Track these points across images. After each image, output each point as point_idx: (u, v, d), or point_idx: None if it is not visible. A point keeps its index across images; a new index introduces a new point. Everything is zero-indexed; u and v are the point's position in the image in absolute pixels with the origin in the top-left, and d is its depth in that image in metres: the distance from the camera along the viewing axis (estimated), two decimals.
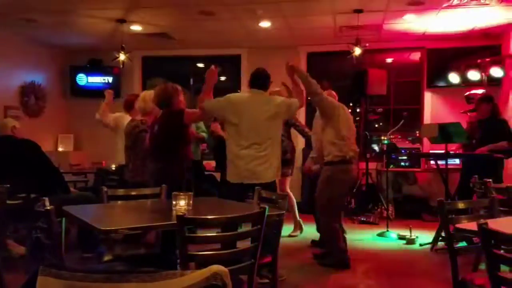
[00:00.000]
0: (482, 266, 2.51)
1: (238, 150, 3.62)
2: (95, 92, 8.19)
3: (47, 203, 2.38)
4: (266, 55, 7.74)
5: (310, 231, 5.28)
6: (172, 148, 3.75)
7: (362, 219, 6.36)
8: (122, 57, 6.70)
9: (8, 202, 3.52)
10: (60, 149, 8.15)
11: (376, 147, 7.32)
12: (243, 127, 3.61)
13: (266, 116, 3.64)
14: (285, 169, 4.88)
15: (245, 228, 2.39)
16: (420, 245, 5.03)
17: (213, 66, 3.78)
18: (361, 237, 5.45)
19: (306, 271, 4.08)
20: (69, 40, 7.61)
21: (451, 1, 5.38)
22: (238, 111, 3.63)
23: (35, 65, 7.81)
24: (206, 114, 3.84)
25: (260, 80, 3.78)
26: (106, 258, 2.80)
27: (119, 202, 3.13)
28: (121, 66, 6.91)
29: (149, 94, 4.21)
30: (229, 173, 3.72)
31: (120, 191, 3.29)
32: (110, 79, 8.11)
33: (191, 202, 2.52)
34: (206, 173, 6.19)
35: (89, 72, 8.25)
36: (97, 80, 8.21)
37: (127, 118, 4.77)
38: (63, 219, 2.63)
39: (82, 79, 8.25)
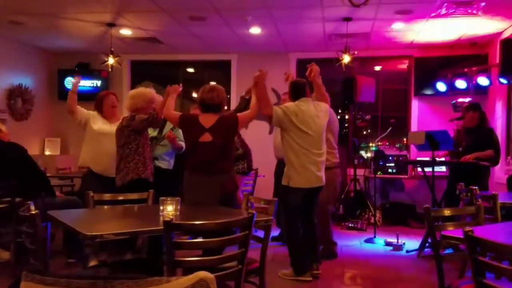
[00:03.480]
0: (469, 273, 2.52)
1: (309, 158, 3.89)
2: (83, 96, 8.06)
3: (32, 208, 2.36)
4: (256, 61, 7.75)
5: None
6: (226, 157, 3.51)
7: (350, 225, 6.38)
8: (111, 61, 6.67)
9: None
10: (46, 152, 8.05)
11: (364, 154, 7.35)
12: (313, 136, 3.91)
13: (324, 123, 4.04)
14: (240, 165, 4.85)
15: None
16: (407, 251, 5.05)
17: (262, 70, 3.85)
18: (349, 243, 5.46)
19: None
20: (58, 43, 7.55)
21: (439, 10, 5.45)
22: (305, 120, 3.88)
23: (23, 68, 7.72)
24: (271, 120, 3.88)
25: (305, 88, 4.07)
26: (91, 263, 2.76)
27: (106, 207, 3.11)
28: (110, 70, 6.87)
29: (136, 92, 4.11)
30: (295, 179, 3.90)
31: (107, 196, 3.26)
32: (98, 83, 8.05)
33: (178, 207, 2.51)
34: None
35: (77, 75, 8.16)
36: (85, 84, 8.12)
37: (98, 119, 4.45)
38: (48, 224, 2.60)
39: (70, 82, 8.16)
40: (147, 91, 4.13)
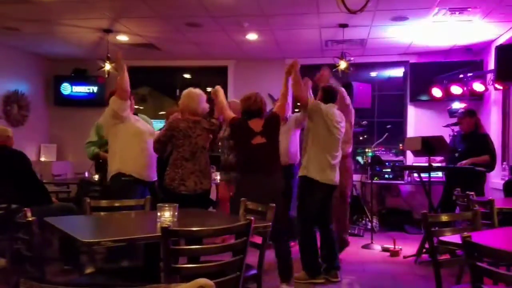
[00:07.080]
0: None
1: (330, 161, 4.01)
2: (79, 102, 8.12)
3: (29, 214, 2.34)
4: (253, 67, 7.79)
5: None
6: (278, 157, 3.76)
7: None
8: (107, 67, 6.66)
9: None
10: (42, 159, 8.02)
11: (360, 159, 7.36)
12: (335, 138, 4.03)
13: (343, 131, 4.15)
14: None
15: None
16: (404, 257, 5.05)
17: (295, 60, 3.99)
18: (346, 249, 5.44)
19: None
20: (54, 49, 7.54)
21: (434, 17, 5.48)
22: (332, 122, 3.99)
23: (19, 74, 7.71)
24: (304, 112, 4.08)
25: (336, 95, 4.22)
26: (88, 270, 2.75)
27: (102, 213, 3.09)
28: (107, 76, 6.86)
29: (195, 92, 3.92)
30: (312, 170, 3.98)
31: (104, 203, 3.25)
32: (95, 88, 8.05)
33: (176, 213, 2.50)
34: None
35: (74, 81, 8.17)
36: (81, 89, 8.14)
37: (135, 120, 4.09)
38: (44, 231, 2.59)
39: (67, 88, 8.17)
40: (198, 91, 3.96)
